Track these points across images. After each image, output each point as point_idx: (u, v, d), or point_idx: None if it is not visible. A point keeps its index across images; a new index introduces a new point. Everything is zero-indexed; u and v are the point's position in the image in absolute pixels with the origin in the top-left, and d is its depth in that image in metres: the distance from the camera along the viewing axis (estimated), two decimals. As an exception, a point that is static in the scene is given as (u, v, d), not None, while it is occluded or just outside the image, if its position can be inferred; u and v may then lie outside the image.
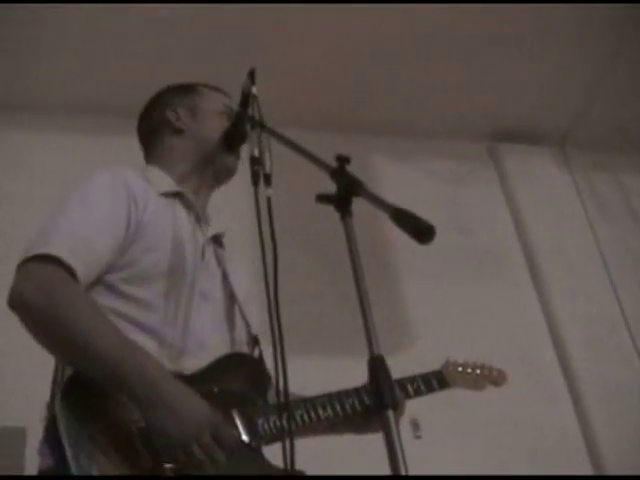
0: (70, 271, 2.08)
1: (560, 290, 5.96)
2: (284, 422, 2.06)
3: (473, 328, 5.43)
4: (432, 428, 5.07)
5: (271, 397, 2.31)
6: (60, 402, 1.96)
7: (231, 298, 2.44)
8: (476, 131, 6.50)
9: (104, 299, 2.21)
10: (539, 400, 5.50)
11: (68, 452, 1.88)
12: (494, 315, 5.57)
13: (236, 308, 2.43)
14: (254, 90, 2.33)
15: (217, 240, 2.59)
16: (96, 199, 2.26)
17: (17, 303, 2.06)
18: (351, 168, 1.92)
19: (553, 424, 5.45)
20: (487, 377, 2.95)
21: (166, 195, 2.47)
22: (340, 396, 2.42)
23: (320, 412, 2.33)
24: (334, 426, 2.52)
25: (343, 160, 1.88)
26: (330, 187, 1.91)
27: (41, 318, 2.03)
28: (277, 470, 2.10)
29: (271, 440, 2.18)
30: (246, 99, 2.35)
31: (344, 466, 4.64)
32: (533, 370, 5.61)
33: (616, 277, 6.16)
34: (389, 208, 1.67)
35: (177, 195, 2.50)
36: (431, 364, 5.15)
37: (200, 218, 2.52)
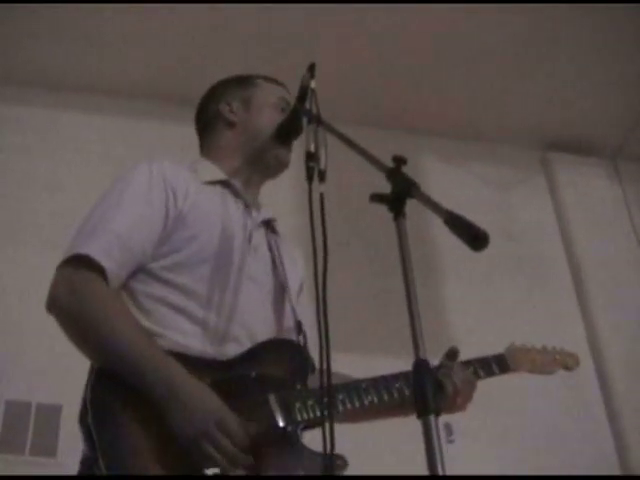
0: (102, 270, 2.14)
1: (603, 303, 5.91)
2: (323, 407, 2.07)
3: (514, 335, 5.37)
4: (465, 433, 5.06)
5: (312, 383, 2.29)
6: (90, 393, 2.02)
7: (280, 283, 2.44)
8: (529, 139, 6.48)
9: (146, 286, 2.25)
10: (575, 412, 5.48)
11: (97, 445, 1.93)
12: (535, 323, 5.53)
13: (285, 294, 2.43)
14: (313, 84, 2.31)
15: (269, 226, 2.59)
16: (133, 195, 2.30)
17: (51, 306, 2.15)
18: (403, 167, 1.91)
19: (587, 436, 5.41)
20: (558, 361, 2.83)
21: (212, 183, 2.49)
22: (387, 380, 2.36)
23: (364, 397, 2.30)
24: (381, 411, 2.48)
25: (400, 161, 1.87)
26: (379, 186, 1.90)
27: (70, 320, 2.12)
28: (313, 455, 2.10)
29: (309, 425, 2.17)
30: (304, 93, 2.32)
31: (379, 467, 4.64)
32: (571, 381, 5.55)
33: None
34: (444, 212, 1.66)
35: (223, 183, 2.52)
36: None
37: (249, 205, 2.52)
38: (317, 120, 2.18)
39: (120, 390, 2.01)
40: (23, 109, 5.55)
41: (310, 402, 2.18)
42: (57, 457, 4.41)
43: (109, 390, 2.02)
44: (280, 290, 2.43)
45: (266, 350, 2.23)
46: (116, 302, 2.17)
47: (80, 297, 2.11)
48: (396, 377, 2.35)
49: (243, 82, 2.72)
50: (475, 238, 1.61)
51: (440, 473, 1.52)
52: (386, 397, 2.33)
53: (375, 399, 2.31)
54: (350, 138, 2.06)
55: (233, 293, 2.30)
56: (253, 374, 2.18)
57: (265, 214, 2.58)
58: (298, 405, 2.16)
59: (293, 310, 2.42)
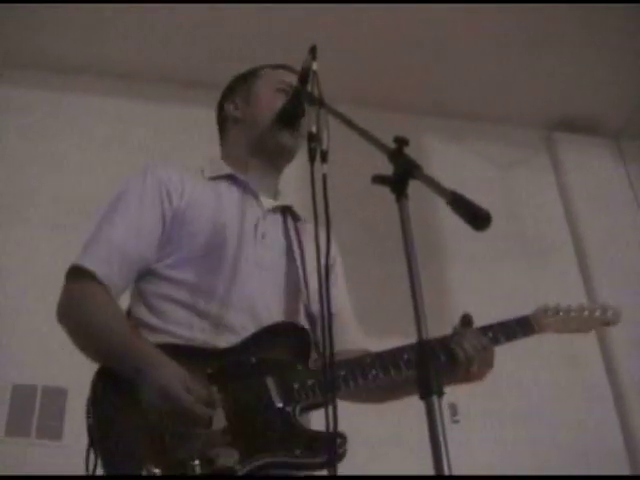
0: (98, 277, 2.24)
1: (607, 282, 5.91)
2: (322, 386, 2.13)
3: (517, 314, 5.40)
4: (470, 414, 5.07)
5: (313, 364, 2.30)
6: (93, 384, 2.10)
7: (294, 268, 2.45)
8: (533, 118, 6.47)
9: (154, 286, 2.34)
10: (580, 396, 5.48)
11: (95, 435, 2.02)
12: (539, 303, 5.52)
13: (299, 279, 2.43)
14: (314, 66, 2.31)
15: (288, 213, 2.60)
16: (128, 204, 2.39)
17: (58, 317, 2.28)
18: (405, 148, 1.91)
19: (592, 422, 5.42)
20: (597, 317, 2.69)
21: (215, 179, 2.54)
22: (393, 353, 2.33)
23: (368, 372, 2.28)
24: (388, 390, 2.46)
25: (402, 142, 1.86)
26: (382, 168, 1.89)
27: (71, 329, 2.25)
28: (312, 434, 2.13)
29: (310, 405, 2.18)
30: (306, 75, 2.33)
31: (384, 449, 4.66)
32: (575, 365, 5.58)
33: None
34: (447, 193, 1.66)
35: (228, 177, 2.56)
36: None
37: (257, 195, 2.54)
38: (319, 102, 2.18)
39: (118, 389, 2.06)
40: (26, 91, 5.55)
41: (310, 382, 2.19)
42: (63, 440, 4.44)
43: (108, 389, 2.08)
44: (294, 274, 2.44)
45: (268, 334, 2.25)
46: (111, 313, 2.24)
47: (79, 313, 2.24)
48: (403, 349, 2.33)
49: (247, 77, 2.75)
50: (478, 218, 1.61)
51: (444, 454, 1.52)
52: (392, 371, 2.30)
53: (380, 373, 2.29)
54: (352, 120, 2.05)
55: (238, 282, 2.33)
56: (253, 360, 2.21)
57: (281, 202, 2.60)
58: (297, 386, 2.18)
59: (307, 294, 2.42)
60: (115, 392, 2.06)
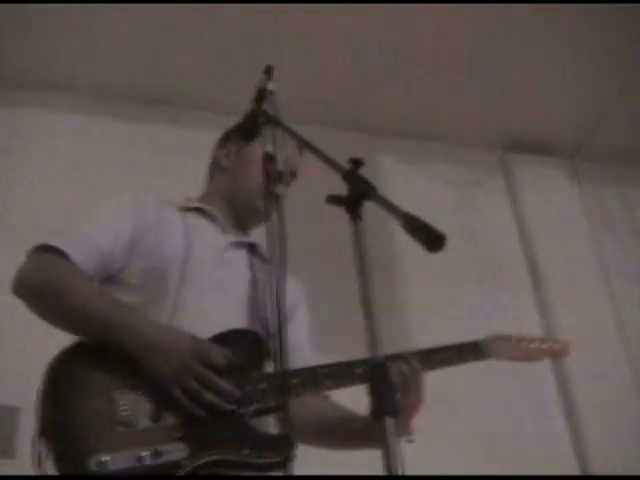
0: (67, 257, 2.30)
1: (560, 302, 5.95)
2: (274, 391, 2.16)
3: (472, 334, 5.42)
4: (425, 433, 5.06)
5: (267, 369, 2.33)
6: (46, 375, 2.12)
7: (257, 297, 2.47)
8: (488, 139, 6.49)
9: (116, 294, 2.37)
10: (534, 412, 5.50)
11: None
12: (493, 322, 5.53)
13: (261, 306, 2.45)
14: (270, 86, 2.33)
15: (254, 251, 2.63)
16: (108, 210, 2.50)
17: (18, 286, 2.30)
18: (360, 169, 1.92)
19: (545, 438, 5.45)
20: (544, 349, 2.78)
21: (186, 209, 2.62)
22: (348, 366, 2.36)
23: (320, 383, 2.30)
24: (341, 435, 2.50)
25: (356, 162, 1.87)
26: (340, 188, 1.90)
27: (39, 295, 2.27)
28: (262, 436, 2.17)
29: (261, 409, 2.20)
30: (261, 95, 2.35)
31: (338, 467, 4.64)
32: (530, 382, 5.60)
33: (618, 293, 6.16)
34: (401, 215, 1.67)
35: (199, 210, 2.63)
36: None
37: (225, 229, 2.60)
38: (274, 121, 2.19)
39: (71, 379, 2.09)
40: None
41: (262, 386, 2.21)
42: (16, 459, 4.39)
43: (59, 379, 2.10)
44: (257, 304, 2.46)
45: (223, 339, 2.25)
46: (80, 274, 2.30)
47: (46, 272, 2.27)
48: (356, 363, 2.35)
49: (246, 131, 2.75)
50: (432, 240, 1.62)
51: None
52: (345, 382, 2.33)
53: (333, 384, 2.32)
54: (307, 140, 2.06)
55: (198, 299, 2.36)
56: None
57: (248, 239, 2.65)
58: (249, 389, 2.19)
59: (264, 320, 2.44)
60: (67, 382, 2.08)
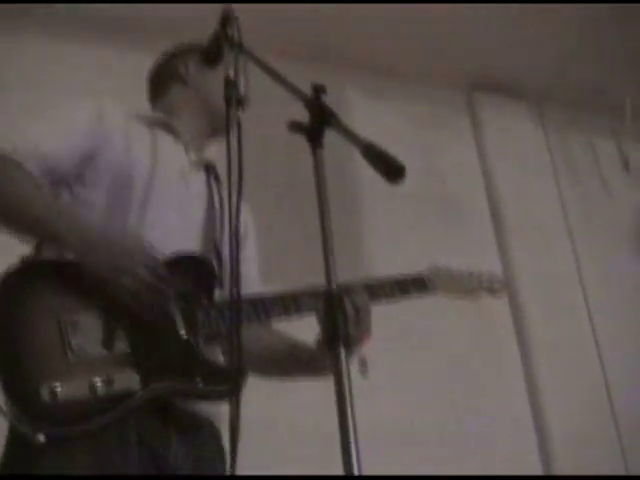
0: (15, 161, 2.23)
1: (520, 244, 5.99)
2: (226, 318, 2.18)
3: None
4: (381, 368, 5.10)
5: (218, 297, 2.31)
6: None
7: (212, 219, 2.45)
8: (455, 78, 6.45)
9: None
10: (489, 352, 5.55)
11: None
12: (453, 261, 5.57)
13: (214, 230, 2.44)
14: (235, 11, 2.28)
15: (211, 171, 2.60)
16: (63, 112, 2.42)
17: None
18: (325, 100, 1.89)
19: (500, 378, 5.51)
20: (483, 286, 2.77)
21: (150, 123, 2.58)
22: (295, 295, 2.38)
23: (270, 310, 2.30)
24: (289, 364, 2.50)
25: (319, 90, 1.85)
26: (304, 115, 1.88)
27: None
28: (214, 364, 2.20)
29: (212, 336, 2.19)
30: (226, 19, 2.30)
31: (288, 398, 4.66)
32: (485, 321, 5.64)
33: (577, 236, 6.21)
34: (361, 143, 1.65)
35: (163, 124, 2.60)
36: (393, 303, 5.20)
37: (187, 147, 2.55)
38: (238, 47, 2.15)
39: (16, 303, 2.04)
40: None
41: (214, 314, 2.20)
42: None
43: (3, 305, 2.04)
44: (211, 226, 2.44)
45: (173, 265, 2.23)
46: (30, 179, 2.24)
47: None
48: (305, 292, 2.36)
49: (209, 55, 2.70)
50: (392, 170, 1.60)
51: (348, 407, 1.52)
52: (293, 311, 2.33)
53: (282, 313, 2.34)
54: (269, 66, 2.03)
55: (154, 217, 2.35)
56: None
57: (207, 158, 2.61)
58: (201, 317, 2.18)
59: (218, 242, 2.42)
60: (12, 306, 2.03)
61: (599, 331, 5.88)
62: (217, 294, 2.31)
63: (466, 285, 2.72)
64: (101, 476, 1.96)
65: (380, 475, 4.34)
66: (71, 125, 2.37)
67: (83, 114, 2.40)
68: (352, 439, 1.49)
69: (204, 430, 2.28)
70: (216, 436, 2.33)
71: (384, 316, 5.15)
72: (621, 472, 5.39)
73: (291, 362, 2.51)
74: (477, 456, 5.11)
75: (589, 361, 5.77)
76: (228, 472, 1.85)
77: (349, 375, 1.54)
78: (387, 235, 5.62)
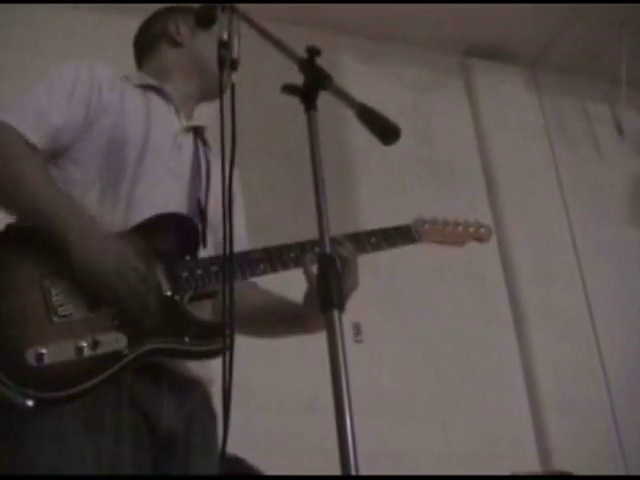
0: (16, 133, 2.19)
1: (514, 209, 5.99)
2: (211, 276, 2.17)
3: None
4: (374, 334, 5.11)
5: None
6: None
7: (198, 185, 2.43)
8: (450, 43, 6.42)
9: (64, 172, 2.30)
10: (482, 317, 5.57)
11: None
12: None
13: (200, 194, 2.42)
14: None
15: (200, 135, 2.58)
16: (60, 82, 2.35)
17: None
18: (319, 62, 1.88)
19: (493, 342, 5.52)
20: (470, 233, 2.76)
21: (143, 87, 2.54)
22: (280, 250, 2.35)
23: (255, 267, 2.29)
24: (274, 322, 2.49)
25: (313, 52, 1.83)
26: (297, 80, 1.86)
27: None
28: (201, 322, 2.17)
29: (198, 296, 2.18)
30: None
31: (282, 367, 4.67)
32: (479, 287, 5.66)
33: (570, 202, 6.21)
34: (356, 105, 1.64)
35: (155, 89, 2.56)
36: (381, 266, 5.21)
37: (179, 111, 2.53)
38: (231, 8, 2.13)
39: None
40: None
41: (199, 272, 2.18)
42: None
43: None
44: (195, 187, 2.43)
45: (157, 224, 2.22)
46: (29, 158, 2.20)
47: None
48: (290, 247, 2.34)
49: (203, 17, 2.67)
50: (386, 132, 1.59)
51: (342, 371, 1.51)
52: (279, 267, 2.32)
53: (268, 268, 2.31)
54: (264, 28, 2.01)
55: (149, 180, 2.33)
56: (142, 247, 2.18)
57: (196, 122, 2.59)
58: (185, 275, 2.17)
59: (203, 203, 2.41)
60: None
61: (591, 294, 5.90)
62: (201, 254, 2.29)
63: (452, 233, 2.70)
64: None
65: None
66: (71, 96, 2.32)
67: (82, 85, 2.36)
68: (346, 404, 1.48)
69: (196, 391, 2.27)
70: (207, 397, 2.32)
71: (379, 282, 5.22)
72: (612, 435, 5.43)
73: (279, 320, 2.50)
74: (470, 419, 5.14)
75: (581, 325, 5.80)
76: (220, 435, 1.85)
77: (343, 340, 1.52)
78: (380, 197, 5.60)
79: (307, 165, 1.72)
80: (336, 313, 1.54)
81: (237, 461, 3.68)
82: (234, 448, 3.55)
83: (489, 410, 5.22)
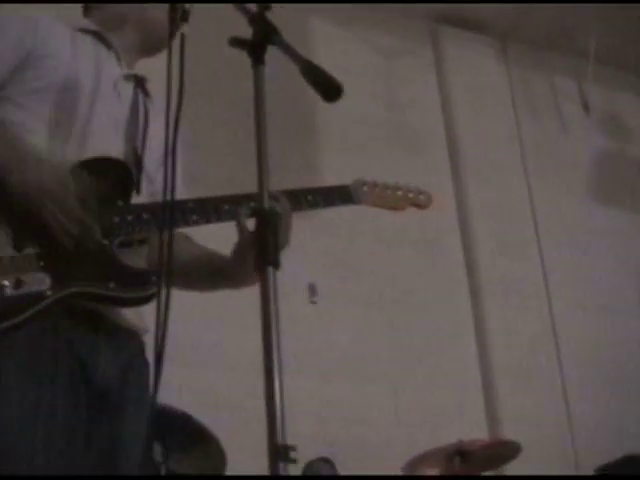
0: None
1: (475, 179, 6.01)
2: (142, 222, 2.13)
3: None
4: (329, 296, 5.12)
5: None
6: None
7: (135, 132, 2.40)
8: (421, 10, 6.39)
9: (5, 113, 2.22)
10: (438, 284, 5.59)
11: None
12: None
13: (137, 141, 2.38)
14: None
15: (140, 85, 2.54)
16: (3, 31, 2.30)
17: None
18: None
19: (448, 310, 5.55)
20: (409, 198, 2.73)
21: (84, 31, 2.46)
22: (214, 201, 2.29)
23: (188, 216, 2.25)
24: (206, 274, 2.46)
25: (264, 6, 1.80)
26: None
27: None
28: (129, 269, 2.12)
29: (128, 242, 2.15)
30: None
31: (233, 325, 4.64)
32: (437, 255, 5.68)
33: (532, 174, 6.24)
34: (301, 61, 1.62)
35: (96, 34, 2.48)
36: (341, 229, 5.21)
37: (120, 59, 2.48)
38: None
39: None
40: None
41: (130, 218, 2.16)
42: None
43: None
44: (132, 133, 2.39)
45: (89, 168, 2.18)
46: None
47: None
48: (224, 199, 2.31)
49: None
50: (328, 88, 1.57)
51: (273, 330, 1.50)
52: (213, 218, 2.28)
53: (201, 219, 2.25)
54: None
55: (87, 124, 2.27)
56: (78, 188, 2.13)
57: (137, 71, 2.54)
58: (116, 220, 2.14)
59: (139, 150, 2.37)
60: None
61: (548, 266, 5.95)
62: (134, 199, 2.26)
63: (391, 197, 2.67)
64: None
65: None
66: (13, 44, 2.25)
67: (26, 33, 2.28)
68: (275, 363, 1.47)
69: (132, 342, 2.25)
70: (143, 348, 2.30)
71: (336, 244, 5.22)
72: (561, 406, 5.50)
73: (208, 273, 2.46)
74: (421, 386, 5.18)
75: (536, 296, 5.85)
76: (151, 383, 1.83)
77: (275, 297, 1.51)
78: (342, 159, 5.56)
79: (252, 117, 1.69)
80: (271, 271, 1.53)
81: (185, 417, 3.67)
82: (180, 405, 3.58)
83: (440, 377, 5.26)
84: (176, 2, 2.07)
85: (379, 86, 6.02)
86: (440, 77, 6.38)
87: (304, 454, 4.34)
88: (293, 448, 1.44)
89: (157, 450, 3.64)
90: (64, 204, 2.03)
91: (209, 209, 2.25)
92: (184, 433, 3.68)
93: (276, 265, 1.54)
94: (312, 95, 4.68)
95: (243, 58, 1.79)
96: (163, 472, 3.61)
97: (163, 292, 1.81)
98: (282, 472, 1.41)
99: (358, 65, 5.90)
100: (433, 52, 6.51)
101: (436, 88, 6.33)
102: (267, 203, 1.59)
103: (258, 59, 1.70)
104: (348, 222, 5.27)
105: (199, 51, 2.42)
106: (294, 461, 1.43)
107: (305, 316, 4.92)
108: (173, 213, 1.90)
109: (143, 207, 2.16)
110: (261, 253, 1.56)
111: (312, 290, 5.04)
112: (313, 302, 5.03)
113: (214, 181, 4.13)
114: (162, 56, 2.08)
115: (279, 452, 1.42)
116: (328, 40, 5.89)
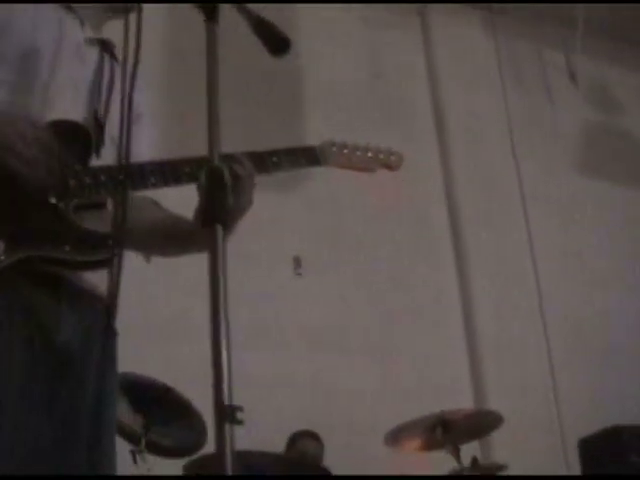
0: None
1: (462, 151, 5.99)
2: (100, 186, 2.08)
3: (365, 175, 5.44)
4: (315, 268, 5.10)
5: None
6: None
7: (95, 89, 2.36)
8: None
9: None
10: (424, 256, 5.58)
11: None
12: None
13: (100, 101, 2.35)
14: None
15: (107, 49, 2.50)
16: None
17: None
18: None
19: (434, 282, 5.54)
20: (380, 159, 2.64)
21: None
22: (174, 164, 2.22)
23: (147, 179, 2.21)
24: (169, 238, 2.43)
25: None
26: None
27: None
28: (86, 232, 2.07)
29: (84, 205, 2.12)
30: None
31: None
32: (423, 227, 5.66)
33: (519, 146, 6.21)
34: (251, 17, 1.58)
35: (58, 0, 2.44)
36: (326, 202, 5.18)
37: (84, 23, 2.44)
38: None
39: None
40: None
41: (87, 180, 2.12)
42: None
43: None
44: (94, 95, 2.35)
45: (53, 129, 2.16)
46: None
47: None
48: (186, 162, 2.26)
49: None
50: (275, 43, 1.54)
51: (221, 290, 1.47)
52: (172, 181, 2.24)
53: (160, 182, 2.18)
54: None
55: (46, 90, 2.22)
56: None
57: (104, 37, 2.51)
58: (72, 182, 2.11)
59: (101, 113, 2.34)
60: None
61: (534, 239, 5.93)
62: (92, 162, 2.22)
63: (361, 158, 2.59)
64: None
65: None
66: None
67: None
68: (223, 327, 1.44)
69: (96, 307, 2.22)
70: (109, 313, 2.27)
71: (322, 217, 5.20)
72: (547, 378, 5.50)
73: (172, 237, 2.42)
74: (407, 357, 5.18)
75: (523, 268, 5.83)
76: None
77: (225, 255, 1.48)
78: (327, 127, 5.48)
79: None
80: (219, 229, 1.50)
81: (167, 390, 3.65)
82: (162, 377, 3.56)
83: (427, 349, 5.25)
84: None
85: (366, 55, 5.98)
86: (427, 47, 6.33)
87: (290, 425, 4.35)
88: (240, 409, 1.42)
89: (138, 422, 3.63)
90: (28, 153, 2.00)
91: (167, 171, 2.21)
92: (166, 406, 3.67)
93: (224, 223, 1.51)
94: (298, 63, 4.66)
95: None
96: (143, 444, 3.60)
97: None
98: (228, 434, 1.38)
99: (344, 34, 5.86)
100: (420, 23, 6.46)
101: (423, 59, 6.29)
102: (216, 159, 1.56)
103: (210, 16, 1.67)
104: (334, 195, 5.25)
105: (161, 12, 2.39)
106: (241, 422, 1.41)
107: (291, 288, 4.91)
108: (127, 174, 1.86)
109: (100, 169, 2.12)
110: (207, 210, 1.53)
111: (297, 262, 5.03)
112: (298, 274, 5.01)
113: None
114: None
115: (225, 413, 1.39)
116: (314, 10, 5.84)
